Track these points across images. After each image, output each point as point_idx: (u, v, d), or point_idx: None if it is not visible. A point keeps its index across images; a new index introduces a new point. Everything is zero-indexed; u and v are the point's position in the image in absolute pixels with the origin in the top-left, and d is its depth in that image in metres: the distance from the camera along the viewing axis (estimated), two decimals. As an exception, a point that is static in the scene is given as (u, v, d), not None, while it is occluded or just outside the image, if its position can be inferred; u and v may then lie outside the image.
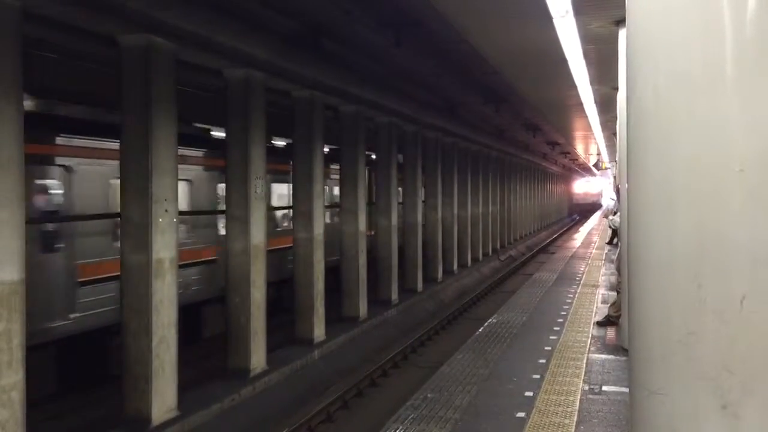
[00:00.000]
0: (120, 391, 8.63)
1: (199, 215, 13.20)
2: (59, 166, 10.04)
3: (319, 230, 13.19)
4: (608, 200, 54.31)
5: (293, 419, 10.07)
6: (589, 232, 39.45)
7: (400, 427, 6.39)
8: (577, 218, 65.96)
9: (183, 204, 11.47)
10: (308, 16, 11.21)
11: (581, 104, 16.03)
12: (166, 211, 8.67)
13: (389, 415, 7.24)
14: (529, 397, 7.18)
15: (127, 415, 8.48)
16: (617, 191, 13.24)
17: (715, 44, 2.22)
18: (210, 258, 13.39)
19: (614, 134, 17.61)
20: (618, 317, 10.14)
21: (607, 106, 14.99)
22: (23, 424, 6.56)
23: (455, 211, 24.24)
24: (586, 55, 10.09)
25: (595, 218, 55.11)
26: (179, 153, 9.20)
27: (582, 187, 76.69)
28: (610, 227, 22.12)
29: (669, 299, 2.29)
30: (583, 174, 71.80)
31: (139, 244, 8.46)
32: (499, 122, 25.26)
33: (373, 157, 18.12)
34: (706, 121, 2.23)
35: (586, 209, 70.16)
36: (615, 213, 14.56)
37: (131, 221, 8.53)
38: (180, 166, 9.28)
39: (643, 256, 2.41)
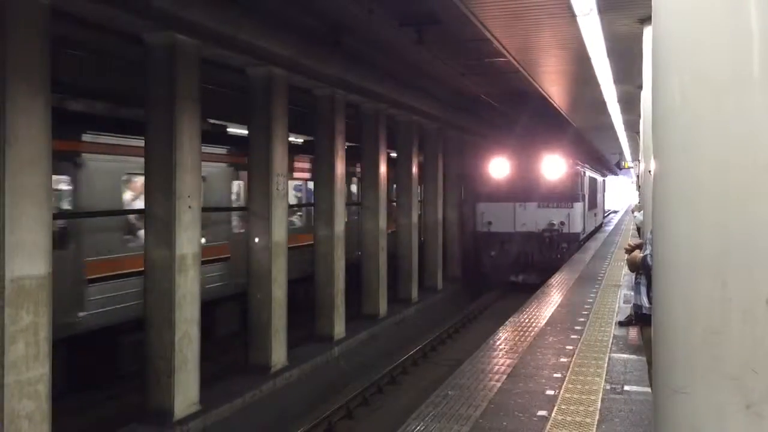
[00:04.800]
0: (143, 385, 8.75)
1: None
2: None
3: (339, 227, 13.23)
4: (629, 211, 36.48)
5: (313, 415, 10.13)
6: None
7: (421, 424, 6.39)
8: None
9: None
10: (330, 14, 11.24)
11: (604, 103, 15.91)
12: (190, 207, 8.75)
13: (409, 412, 7.25)
14: (550, 395, 7.15)
15: (150, 409, 8.60)
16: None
17: (742, 44, 2.21)
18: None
19: (637, 133, 17.46)
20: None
21: (630, 104, 14.86)
22: (49, 416, 6.65)
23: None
24: (610, 54, 10.00)
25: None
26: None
27: (504, 163, 21.83)
28: (636, 226, 21.20)
29: (693, 298, 2.29)
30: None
31: (163, 239, 8.56)
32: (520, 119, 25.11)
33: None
34: (732, 120, 2.22)
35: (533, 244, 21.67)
36: (641, 210, 14.17)
37: (155, 217, 8.63)
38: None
39: (668, 254, 2.40)
